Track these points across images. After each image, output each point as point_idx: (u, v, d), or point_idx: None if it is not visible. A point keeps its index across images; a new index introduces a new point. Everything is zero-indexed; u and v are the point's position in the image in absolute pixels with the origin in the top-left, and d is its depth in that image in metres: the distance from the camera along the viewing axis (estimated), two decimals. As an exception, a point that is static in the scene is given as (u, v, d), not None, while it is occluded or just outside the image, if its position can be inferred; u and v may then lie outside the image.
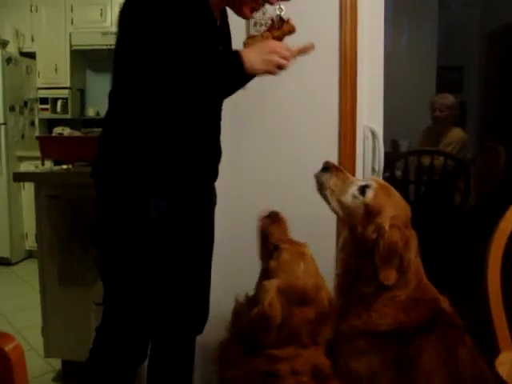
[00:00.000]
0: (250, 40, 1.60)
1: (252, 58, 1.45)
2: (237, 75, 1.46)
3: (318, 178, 1.64)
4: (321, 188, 1.63)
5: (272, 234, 1.52)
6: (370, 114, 2.22)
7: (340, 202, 1.58)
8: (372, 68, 2.21)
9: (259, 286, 1.43)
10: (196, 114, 1.54)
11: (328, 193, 1.60)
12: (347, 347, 1.51)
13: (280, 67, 1.48)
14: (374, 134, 2.20)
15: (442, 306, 1.50)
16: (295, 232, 1.66)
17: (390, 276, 1.45)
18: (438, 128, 4.41)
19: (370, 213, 1.52)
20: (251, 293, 1.50)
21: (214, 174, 1.72)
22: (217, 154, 1.71)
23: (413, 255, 1.49)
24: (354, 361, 1.49)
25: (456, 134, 4.32)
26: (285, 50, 1.48)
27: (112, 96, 1.56)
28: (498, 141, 5.01)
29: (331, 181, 1.60)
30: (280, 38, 1.59)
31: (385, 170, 2.41)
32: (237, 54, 1.45)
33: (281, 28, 1.59)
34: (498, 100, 6.70)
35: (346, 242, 1.58)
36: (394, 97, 3.32)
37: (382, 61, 2.23)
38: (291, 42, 1.78)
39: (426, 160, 3.77)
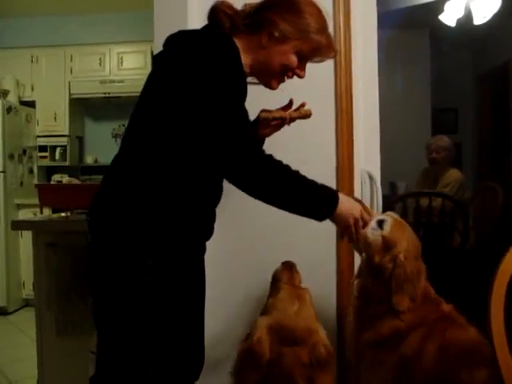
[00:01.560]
0: (264, 113, 1.69)
1: (346, 205, 1.54)
2: (324, 207, 1.52)
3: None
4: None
5: (281, 278, 1.53)
6: (367, 158, 2.24)
7: (362, 238, 1.71)
8: (368, 113, 2.24)
9: (253, 322, 1.45)
10: (213, 182, 1.60)
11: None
12: (361, 362, 1.68)
13: (350, 228, 1.59)
14: (371, 177, 2.21)
15: (440, 307, 1.66)
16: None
17: (403, 302, 1.62)
18: (434, 169, 4.44)
19: (387, 244, 1.68)
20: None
21: (212, 232, 1.73)
22: (214, 215, 1.72)
23: (422, 285, 1.66)
24: (366, 373, 1.65)
25: (453, 174, 4.34)
26: (366, 219, 1.63)
27: (129, 149, 1.53)
28: (495, 180, 5.04)
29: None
30: (294, 119, 1.69)
31: (383, 212, 2.41)
32: (335, 192, 1.54)
33: (298, 110, 1.73)
34: (492, 140, 6.77)
35: (363, 269, 1.74)
36: (390, 139, 3.35)
37: (377, 105, 2.26)
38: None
39: (424, 202, 3.77)
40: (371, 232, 1.69)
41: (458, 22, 4.79)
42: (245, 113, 1.56)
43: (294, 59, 1.59)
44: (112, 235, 1.51)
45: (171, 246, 1.53)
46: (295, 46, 1.58)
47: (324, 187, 1.55)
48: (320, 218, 1.55)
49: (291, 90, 1.93)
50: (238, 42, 1.57)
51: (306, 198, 1.51)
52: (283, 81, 1.66)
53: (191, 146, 1.46)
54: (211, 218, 1.69)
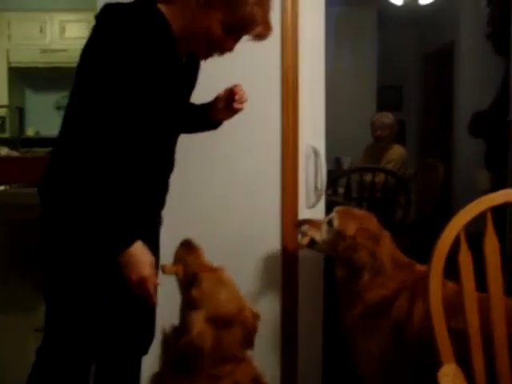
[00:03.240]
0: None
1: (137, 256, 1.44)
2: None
3: (301, 237, 2.02)
4: (310, 244, 1.98)
5: (189, 263, 1.54)
6: (312, 133, 2.24)
7: (324, 242, 1.94)
8: (313, 87, 2.24)
9: (186, 316, 1.46)
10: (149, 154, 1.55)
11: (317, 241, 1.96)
12: (356, 332, 1.87)
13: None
14: (316, 152, 2.22)
15: (416, 268, 1.85)
16: (242, 249, 1.98)
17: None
18: (379, 146, 4.53)
19: (340, 234, 1.90)
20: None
21: (163, 205, 1.73)
22: (167, 187, 1.72)
23: (385, 247, 1.86)
24: (363, 341, 1.84)
25: (396, 151, 4.44)
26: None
27: (66, 124, 1.48)
28: (437, 157, 5.18)
29: (309, 232, 1.97)
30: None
31: (327, 188, 2.44)
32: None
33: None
34: (435, 118, 6.94)
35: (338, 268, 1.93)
36: (336, 115, 3.39)
37: (323, 81, 2.27)
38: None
39: (368, 177, 3.85)
40: (327, 234, 1.93)
41: (405, 1, 4.86)
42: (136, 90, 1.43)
43: (217, 30, 1.47)
44: (63, 207, 1.48)
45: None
46: (220, 15, 1.45)
47: (125, 219, 1.43)
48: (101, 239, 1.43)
49: (236, 62, 1.91)
50: (169, 7, 1.48)
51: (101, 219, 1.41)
52: (211, 55, 1.57)
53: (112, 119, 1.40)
54: (160, 189, 1.67)
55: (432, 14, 5.86)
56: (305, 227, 1.99)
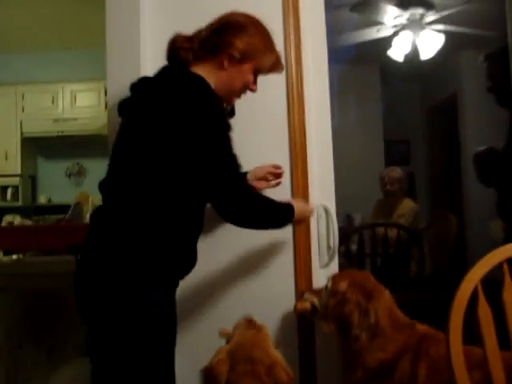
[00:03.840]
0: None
1: (298, 209, 1.82)
2: (287, 219, 1.79)
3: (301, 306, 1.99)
4: (312, 313, 1.95)
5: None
6: (322, 192, 2.25)
7: (321, 306, 1.90)
8: (321, 146, 2.26)
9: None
10: (199, 215, 1.68)
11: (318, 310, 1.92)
12: None
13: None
14: (327, 211, 2.22)
15: (417, 329, 1.77)
16: (256, 311, 1.80)
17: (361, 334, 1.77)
18: (389, 200, 4.52)
19: (333, 292, 1.86)
20: None
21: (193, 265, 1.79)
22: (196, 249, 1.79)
23: (381, 305, 1.79)
24: None
25: (407, 205, 4.43)
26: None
27: (121, 189, 1.58)
28: (448, 208, 5.16)
29: (310, 298, 1.95)
30: None
31: (340, 245, 2.43)
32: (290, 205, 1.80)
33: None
34: (443, 169, 6.95)
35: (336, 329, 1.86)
36: (345, 172, 3.41)
37: (330, 139, 2.29)
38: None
39: (380, 233, 3.83)
40: (324, 298, 1.89)
41: (406, 57, 4.96)
42: (231, 146, 1.61)
43: (250, 79, 1.71)
44: (111, 270, 1.53)
45: (161, 277, 1.59)
46: (253, 64, 1.68)
47: (282, 204, 1.78)
48: (284, 225, 1.84)
49: (246, 122, 1.95)
50: (201, 69, 1.64)
51: (275, 217, 1.76)
52: (239, 98, 1.78)
53: (182, 183, 1.55)
54: (194, 252, 1.72)
55: (433, 68, 5.97)
56: (306, 295, 1.99)
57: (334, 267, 2.25)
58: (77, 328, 2.37)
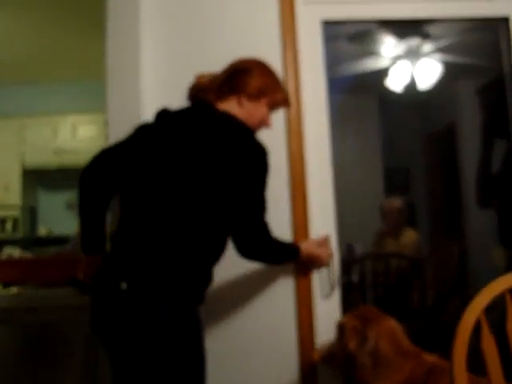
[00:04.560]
0: None
1: (306, 251, 2.01)
2: (294, 257, 1.97)
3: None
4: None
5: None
6: (323, 222, 2.25)
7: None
8: (321, 176, 2.28)
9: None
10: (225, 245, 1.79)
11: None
12: None
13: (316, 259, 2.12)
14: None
15: (424, 359, 1.76)
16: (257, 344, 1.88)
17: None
18: (389, 231, 4.50)
19: (336, 329, 1.92)
20: None
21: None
22: None
23: (380, 329, 1.81)
24: None
25: (408, 235, 4.41)
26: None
27: (164, 221, 1.66)
28: (449, 238, 5.14)
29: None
30: None
31: (341, 276, 2.42)
32: (297, 247, 1.97)
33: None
34: (443, 198, 6.95)
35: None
36: (344, 201, 3.40)
37: (330, 168, 2.30)
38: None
39: (381, 263, 3.81)
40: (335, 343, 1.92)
41: (404, 87, 5.01)
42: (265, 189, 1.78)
43: (267, 113, 1.88)
44: (160, 297, 1.61)
45: (197, 301, 1.71)
46: (268, 99, 1.85)
47: (291, 246, 1.99)
48: (291, 261, 2.06)
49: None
50: (225, 107, 1.80)
51: (284, 257, 1.95)
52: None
53: (220, 216, 1.69)
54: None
55: (431, 97, 6.02)
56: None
57: (336, 298, 2.23)
58: (75, 362, 2.35)
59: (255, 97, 1.83)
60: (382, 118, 6.55)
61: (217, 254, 1.75)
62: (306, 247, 2.02)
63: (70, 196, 5.81)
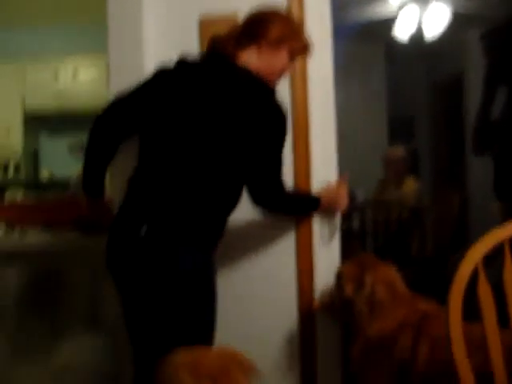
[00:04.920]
0: None
1: (324, 202, 2.04)
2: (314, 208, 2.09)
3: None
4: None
5: None
6: (325, 167, 2.24)
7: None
8: (324, 121, 2.25)
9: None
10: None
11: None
12: (359, 370, 1.87)
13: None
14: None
15: (419, 305, 1.80)
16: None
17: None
18: (391, 179, 4.51)
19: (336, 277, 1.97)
20: None
21: None
22: None
23: (377, 276, 1.85)
24: (367, 379, 1.83)
25: (410, 184, 4.42)
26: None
27: (184, 169, 1.72)
28: (451, 186, 5.14)
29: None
30: None
31: (342, 222, 2.43)
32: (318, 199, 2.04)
33: None
34: (447, 146, 6.92)
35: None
36: (347, 148, 3.39)
37: (333, 114, 2.28)
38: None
39: (382, 211, 3.82)
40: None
41: (411, 36, 4.91)
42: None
43: (287, 60, 1.87)
44: (181, 239, 1.70)
45: (212, 246, 1.80)
46: (288, 47, 1.84)
47: (310, 197, 2.09)
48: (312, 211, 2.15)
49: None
50: (245, 56, 1.80)
51: (303, 209, 2.10)
52: (279, 80, 1.92)
53: (236, 168, 1.75)
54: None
55: (439, 46, 5.90)
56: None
57: (336, 246, 2.25)
58: (78, 303, 2.40)
59: (275, 44, 1.82)
60: (387, 67, 6.46)
61: (232, 203, 1.81)
62: (325, 195, 2.07)
63: (72, 140, 5.79)
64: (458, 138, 6.38)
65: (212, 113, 1.73)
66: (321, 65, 2.25)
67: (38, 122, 5.90)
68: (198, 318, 1.73)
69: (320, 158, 2.24)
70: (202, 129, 1.73)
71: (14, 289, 2.40)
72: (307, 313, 2.21)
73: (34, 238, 2.43)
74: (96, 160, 1.91)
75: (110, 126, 1.86)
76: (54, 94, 5.51)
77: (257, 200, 1.78)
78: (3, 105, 5.56)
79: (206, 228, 1.75)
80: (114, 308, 2.08)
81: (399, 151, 4.52)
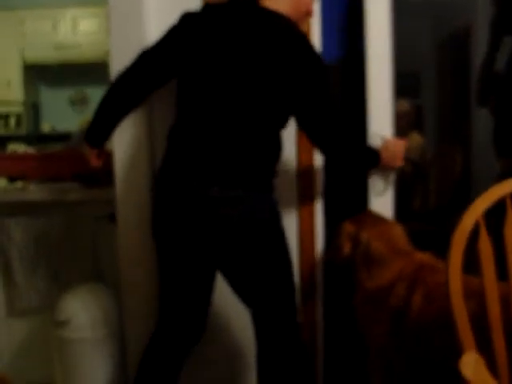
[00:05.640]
0: None
1: (384, 157, 2.05)
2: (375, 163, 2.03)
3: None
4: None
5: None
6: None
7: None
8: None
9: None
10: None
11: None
12: (359, 318, 1.91)
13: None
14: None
15: (415, 257, 1.83)
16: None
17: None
18: (396, 134, 4.47)
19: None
20: None
21: None
22: None
23: (373, 232, 1.88)
24: (367, 327, 1.87)
25: (414, 139, 4.39)
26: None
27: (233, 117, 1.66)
28: (455, 143, 5.11)
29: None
30: None
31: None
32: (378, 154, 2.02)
33: None
34: (453, 102, 6.85)
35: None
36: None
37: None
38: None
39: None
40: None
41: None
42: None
43: (312, 1, 1.86)
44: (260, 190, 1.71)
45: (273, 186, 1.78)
46: None
47: (372, 150, 2.04)
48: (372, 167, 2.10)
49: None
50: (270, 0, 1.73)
51: (365, 161, 2.02)
52: (304, 22, 1.92)
53: (285, 111, 1.73)
54: None
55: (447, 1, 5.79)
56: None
57: (388, 201, 2.25)
58: (81, 255, 2.42)
59: None
60: (394, 21, 6.33)
61: (280, 143, 1.77)
62: (384, 152, 2.05)
63: (73, 92, 5.74)
64: (464, 94, 6.31)
65: (253, 56, 1.65)
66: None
67: (38, 74, 5.83)
68: (288, 259, 1.77)
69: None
70: (245, 74, 1.66)
71: (18, 240, 2.42)
72: (308, 273, 2.23)
73: (35, 189, 2.43)
74: (115, 110, 1.89)
75: (141, 76, 1.82)
76: (54, 45, 5.43)
77: (320, 141, 1.78)
78: (3, 57, 5.48)
79: (268, 171, 1.74)
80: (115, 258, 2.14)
81: (403, 105, 4.48)
